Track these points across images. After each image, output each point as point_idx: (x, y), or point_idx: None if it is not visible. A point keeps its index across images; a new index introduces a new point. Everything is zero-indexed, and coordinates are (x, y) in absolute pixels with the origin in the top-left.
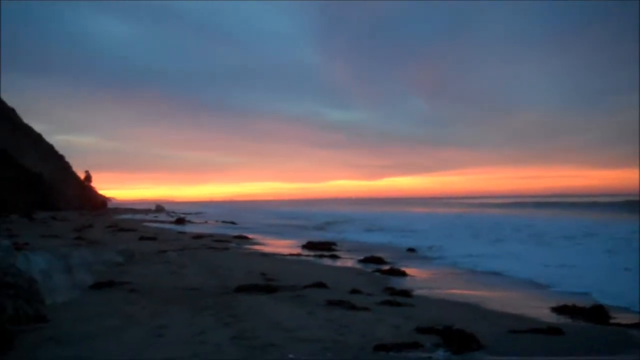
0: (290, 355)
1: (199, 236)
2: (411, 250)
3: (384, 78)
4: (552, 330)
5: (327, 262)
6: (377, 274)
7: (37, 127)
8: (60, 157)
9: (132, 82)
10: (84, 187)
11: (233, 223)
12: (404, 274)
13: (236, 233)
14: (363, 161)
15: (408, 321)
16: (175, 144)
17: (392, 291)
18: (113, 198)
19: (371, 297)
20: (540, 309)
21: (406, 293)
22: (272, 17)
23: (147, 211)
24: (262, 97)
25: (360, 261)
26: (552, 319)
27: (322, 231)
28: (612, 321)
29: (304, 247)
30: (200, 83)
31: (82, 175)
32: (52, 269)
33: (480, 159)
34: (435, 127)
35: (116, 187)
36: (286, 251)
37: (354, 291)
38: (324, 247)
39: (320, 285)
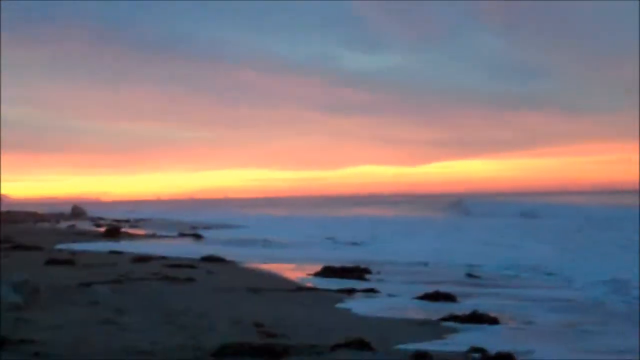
0: None
1: (143, 258)
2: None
3: (435, 3)
4: None
5: (363, 301)
6: (451, 322)
7: None
8: None
9: (37, 11)
10: None
11: (198, 236)
12: (494, 321)
13: (205, 252)
14: (401, 134)
15: None
16: (104, 110)
17: (484, 355)
18: (5, 196)
19: None
20: None
21: (508, 358)
22: None
23: (58, 216)
24: (245, 34)
25: (418, 299)
26: None
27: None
28: None
29: (319, 275)
30: (146, 11)
31: None
32: None
33: (587, 129)
34: (516, 79)
35: (11, 179)
36: (290, 283)
37: (420, 356)
38: (353, 275)
39: (360, 343)
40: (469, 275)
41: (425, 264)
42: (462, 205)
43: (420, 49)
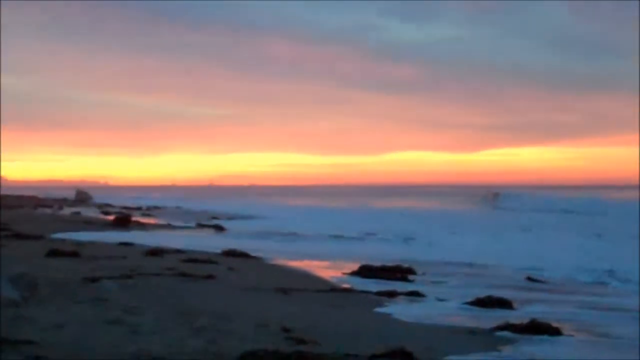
0: None
1: (157, 251)
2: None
3: None
4: None
5: (406, 306)
6: (505, 332)
7: None
8: None
9: None
10: None
11: (218, 228)
12: (556, 331)
13: (226, 246)
14: (451, 117)
15: None
16: (112, 82)
17: None
18: (3, 178)
19: None
20: None
21: None
22: None
23: (61, 201)
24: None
25: (468, 304)
26: None
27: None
28: None
29: (356, 274)
30: None
31: None
32: None
33: None
34: (585, 57)
35: (7, 158)
36: (323, 282)
37: None
38: (395, 276)
39: (402, 353)
40: (530, 279)
41: (478, 265)
42: (518, 199)
43: (477, 21)
